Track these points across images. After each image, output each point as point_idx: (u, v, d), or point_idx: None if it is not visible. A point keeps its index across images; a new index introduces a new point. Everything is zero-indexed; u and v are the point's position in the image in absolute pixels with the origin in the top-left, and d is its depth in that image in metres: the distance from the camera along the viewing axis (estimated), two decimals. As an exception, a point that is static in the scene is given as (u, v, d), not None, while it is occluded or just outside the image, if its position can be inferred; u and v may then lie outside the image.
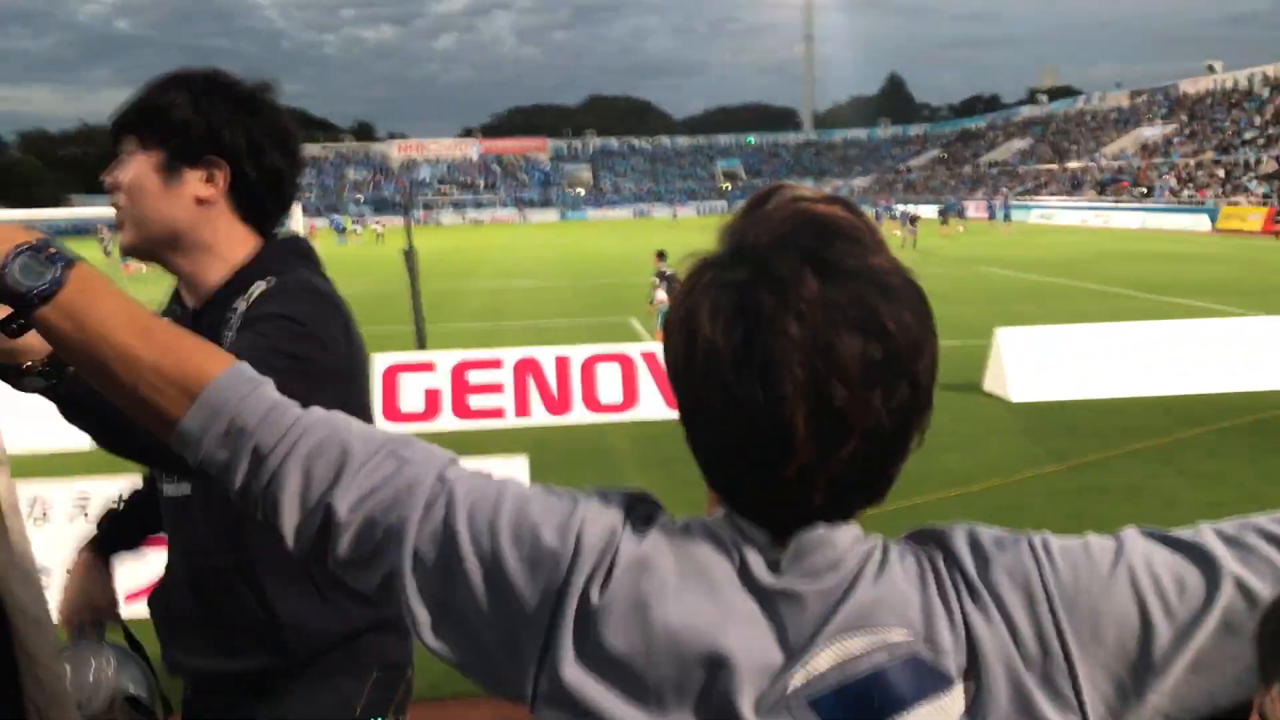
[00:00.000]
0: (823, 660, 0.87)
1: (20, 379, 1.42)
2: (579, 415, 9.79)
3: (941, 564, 0.92)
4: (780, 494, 0.89)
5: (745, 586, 0.90)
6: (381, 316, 14.41)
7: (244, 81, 1.85)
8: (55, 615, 1.59)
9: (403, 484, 0.97)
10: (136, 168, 1.79)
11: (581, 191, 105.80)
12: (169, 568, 1.96)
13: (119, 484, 5.50)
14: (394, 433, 1.04)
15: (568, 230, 65.34)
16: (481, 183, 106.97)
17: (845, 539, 0.91)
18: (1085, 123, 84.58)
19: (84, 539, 2.17)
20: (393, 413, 9.42)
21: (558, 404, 9.84)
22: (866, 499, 0.93)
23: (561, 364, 9.95)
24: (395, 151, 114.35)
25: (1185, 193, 54.66)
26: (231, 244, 1.84)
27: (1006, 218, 46.83)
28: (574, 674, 0.89)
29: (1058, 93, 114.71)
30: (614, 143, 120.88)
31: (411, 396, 9.65)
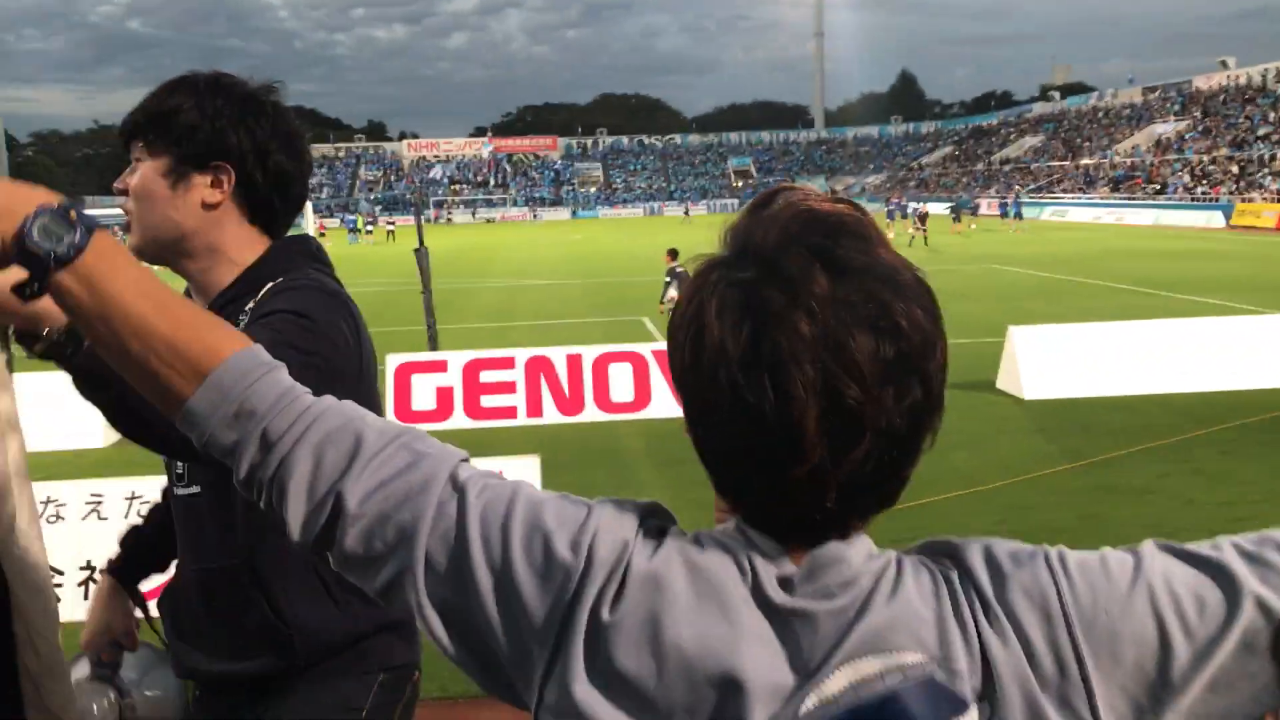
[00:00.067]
0: (835, 683, 0.85)
1: (37, 345, 1.42)
2: (591, 414, 9.79)
3: (957, 581, 0.90)
4: (790, 497, 0.88)
5: (758, 605, 0.88)
6: (393, 316, 14.43)
7: (249, 83, 1.85)
8: (59, 613, 1.59)
9: (416, 479, 0.96)
10: (144, 173, 1.79)
11: (593, 190, 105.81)
12: (178, 569, 1.96)
13: (132, 484, 5.50)
14: (408, 425, 1.02)
15: (579, 228, 65.31)
16: (493, 181, 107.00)
17: (859, 556, 0.90)
18: (1098, 119, 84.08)
19: (108, 557, 2.16)
20: (405, 413, 9.45)
21: (570, 403, 9.85)
22: (879, 502, 0.91)
23: (573, 363, 9.95)
24: (407, 150, 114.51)
25: (1199, 189, 54.33)
26: (240, 246, 1.84)
27: (1018, 215, 46.61)
28: (585, 692, 0.87)
29: (1070, 89, 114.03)
30: (625, 141, 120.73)
31: (423, 396, 9.68)
